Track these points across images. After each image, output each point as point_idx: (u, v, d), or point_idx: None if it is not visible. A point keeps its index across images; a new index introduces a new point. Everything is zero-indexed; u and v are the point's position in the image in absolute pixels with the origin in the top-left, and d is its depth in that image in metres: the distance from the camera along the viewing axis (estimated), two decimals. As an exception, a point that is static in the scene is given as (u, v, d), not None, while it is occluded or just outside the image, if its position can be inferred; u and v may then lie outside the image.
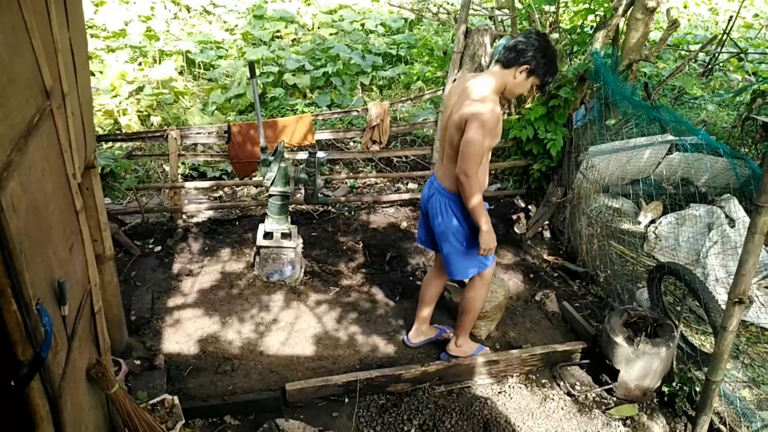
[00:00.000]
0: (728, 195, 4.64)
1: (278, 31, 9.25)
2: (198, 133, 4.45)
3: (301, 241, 4.11)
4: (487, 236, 2.79)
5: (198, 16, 9.91)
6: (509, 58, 2.68)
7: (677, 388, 3.14)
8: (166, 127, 4.70)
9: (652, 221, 4.74)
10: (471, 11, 4.71)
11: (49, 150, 1.69)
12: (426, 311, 3.44)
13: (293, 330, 3.57)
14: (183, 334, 3.46)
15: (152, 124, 6.13)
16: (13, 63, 1.41)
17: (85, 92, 2.30)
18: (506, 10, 4.96)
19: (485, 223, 2.77)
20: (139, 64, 7.40)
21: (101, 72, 6.84)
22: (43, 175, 1.59)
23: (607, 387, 3.26)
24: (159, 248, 4.28)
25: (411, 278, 4.18)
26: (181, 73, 7.53)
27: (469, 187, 2.67)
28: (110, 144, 5.12)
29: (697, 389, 3.07)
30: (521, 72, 2.69)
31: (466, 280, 3.22)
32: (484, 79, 2.75)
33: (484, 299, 3.20)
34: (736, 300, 2.68)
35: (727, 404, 3.06)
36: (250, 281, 3.96)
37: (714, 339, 2.94)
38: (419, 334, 3.50)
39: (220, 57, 8.07)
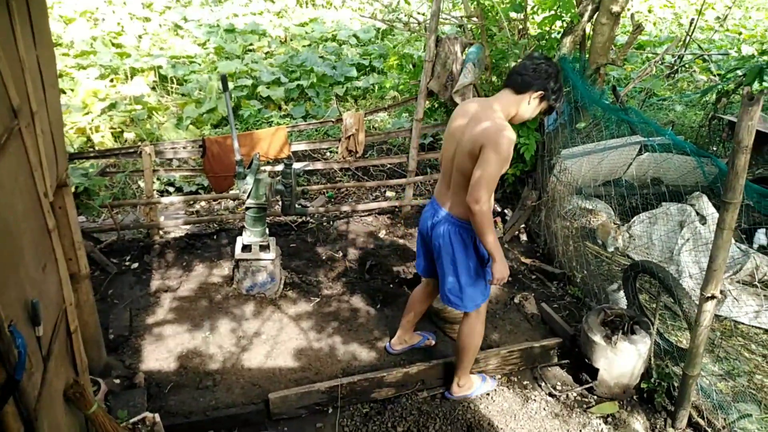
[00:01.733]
0: (698, 193, 4.75)
1: (251, 44, 9.24)
2: (172, 148, 4.42)
3: (279, 252, 4.10)
4: (501, 265, 2.71)
5: (168, 31, 9.85)
6: (522, 84, 2.61)
7: (656, 384, 3.20)
8: (140, 143, 4.66)
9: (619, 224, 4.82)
10: (441, 20, 4.76)
11: (19, 169, 1.67)
12: (410, 320, 3.42)
13: (275, 342, 3.56)
14: (163, 351, 3.42)
15: (126, 141, 6.07)
16: (-21, 83, 1.40)
17: (55, 110, 2.28)
18: (475, 18, 5.02)
19: (498, 252, 2.69)
20: (111, 80, 7.33)
21: (72, 90, 6.76)
22: (13, 195, 1.58)
23: (587, 386, 3.30)
24: (136, 265, 4.24)
25: (391, 285, 4.20)
26: (153, 88, 7.47)
27: (481, 215, 2.56)
28: (83, 161, 5.05)
29: (675, 384, 3.13)
30: (535, 98, 2.65)
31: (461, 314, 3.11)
32: (494, 104, 2.66)
33: (481, 334, 3.07)
34: (709, 296, 2.75)
35: (705, 397, 3.12)
36: (229, 294, 3.94)
37: (689, 334, 3.01)
38: (402, 341, 3.50)
39: (193, 72, 8.03)
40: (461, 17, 5.53)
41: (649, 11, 13.57)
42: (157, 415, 2.72)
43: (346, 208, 5.11)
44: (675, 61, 8.66)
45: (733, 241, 3.11)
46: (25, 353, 1.48)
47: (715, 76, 8.26)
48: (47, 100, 2.11)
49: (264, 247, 3.91)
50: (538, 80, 2.61)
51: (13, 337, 1.45)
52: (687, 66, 8.81)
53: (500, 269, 2.73)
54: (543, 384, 3.39)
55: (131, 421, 2.69)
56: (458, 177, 2.71)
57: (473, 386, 3.24)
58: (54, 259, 1.96)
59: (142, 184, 4.97)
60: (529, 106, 2.67)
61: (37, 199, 1.82)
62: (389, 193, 5.64)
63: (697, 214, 4.59)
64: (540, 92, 2.63)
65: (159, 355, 3.39)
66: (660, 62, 8.37)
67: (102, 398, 2.85)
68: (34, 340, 1.66)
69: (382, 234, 4.89)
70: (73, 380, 2.08)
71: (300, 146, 4.84)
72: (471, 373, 3.25)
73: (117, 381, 3.10)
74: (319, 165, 5.07)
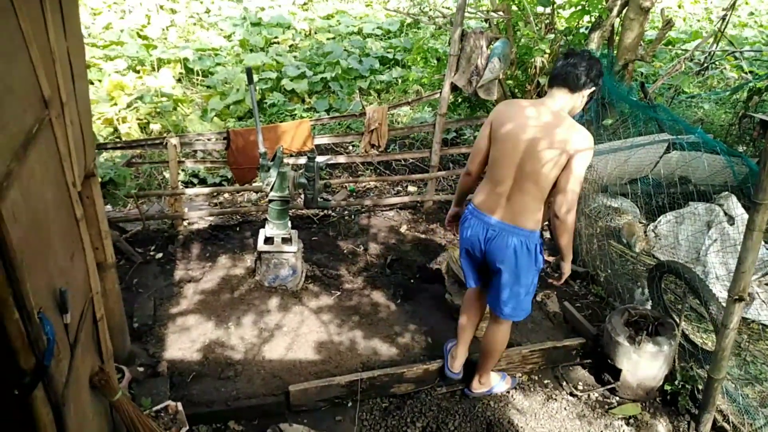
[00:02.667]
0: (727, 193, 4.65)
1: (276, 37, 9.27)
2: (197, 140, 4.46)
3: (301, 245, 4.12)
4: (570, 265, 2.85)
5: (194, 24, 9.94)
6: (579, 82, 2.58)
7: (680, 386, 3.15)
8: (165, 135, 4.71)
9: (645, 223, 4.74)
10: (466, 14, 4.72)
11: (49, 159, 1.70)
12: (467, 339, 3.22)
13: (295, 335, 3.58)
14: (186, 341, 3.46)
15: (152, 132, 6.14)
16: (10, 72, 1.42)
17: (84, 101, 2.31)
18: (501, 13, 4.97)
19: (571, 254, 2.81)
20: (138, 72, 7.42)
21: (99, 81, 6.86)
22: (43, 185, 1.60)
23: (609, 386, 3.26)
24: (160, 255, 4.29)
25: (412, 281, 4.19)
26: (179, 80, 7.55)
27: (572, 224, 2.60)
28: (110, 152, 5.13)
29: (700, 387, 3.08)
30: (586, 94, 2.64)
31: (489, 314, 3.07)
32: (560, 107, 2.60)
33: (507, 341, 3.04)
34: (736, 297, 2.69)
35: (730, 402, 3.06)
36: (251, 286, 3.97)
37: (715, 337, 2.95)
38: (462, 361, 3.25)
39: (218, 64, 8.09)
40: (487, 11, 5.48)
41: (680, 6, 13.30)
42: (179, 404, 2.76)
43: (367, 202, 5.11)
44: (705, 57, 8.48)
45: (762, 242, 3.04)
46: (53, 340, 1.50)
47: (746, 73, 8.07)
48: (76, 91, 2.14)
49: (286, 240, 3.93)
50: (593, 78, 2.60)
51: (42, 324, 1.48)
52: (717, 63, 8.63)
53: (569, 267, 2.84)
54: (564, 383, 3.36)
55: (154, 409, 2.73)
56: (530, 187, 2.60)
57: (493, 384, 3.22)
58: (82, 248, 1.99)
59: (167, 175, 5.03)
60: (581, 103, 2.67)
61: (65, 188, 1.84)
62: (411, 188, 5.63)
63: (726, 214, 4.50)
64: (592, 89, 2.63)
65: (182, 344, 3.43)
66: (690, 59, 8.21)
67: (126, 386, 2.90)
68: (62, 327, 1.69)
69: (403, 229, 4.88)
70: (98, 367, 2.11)
71: (323, 140, 4.85)
72: (492, 371, 3.23)
73: (141, 369, 3.15)
74: (341, 159, 5.07)
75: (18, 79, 1.47)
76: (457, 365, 3.19)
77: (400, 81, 7.80)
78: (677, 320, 3.28)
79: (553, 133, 2.51)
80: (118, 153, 5.14)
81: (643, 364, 3.11)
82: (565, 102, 2.61)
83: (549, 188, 2.59)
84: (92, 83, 6.74)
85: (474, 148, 2.84)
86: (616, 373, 3.20)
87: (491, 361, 3.08)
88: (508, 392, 3.26)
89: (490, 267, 2.83)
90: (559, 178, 2.53)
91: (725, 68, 8.64)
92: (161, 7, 10.05)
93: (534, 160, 2.55)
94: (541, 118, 2.57)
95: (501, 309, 2.87)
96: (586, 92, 2.62)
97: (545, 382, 3.38)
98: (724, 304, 2.82)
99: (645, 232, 4.61)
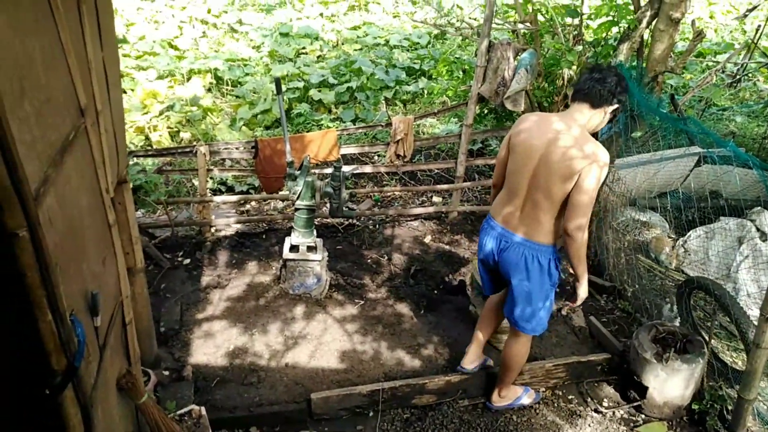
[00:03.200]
0: (759, 208, 4.55)
1: (303, 47, 9.39)
2: (226, 149, 4.53)
3: (326, 254, 4.14)
4: (586, 287, 2.75)
5: (225, 34, 10.12)
6: (602, 98, 2.56)
7: (708, 406, 3.08)
8: (195, 143, 4.80)
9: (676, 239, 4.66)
10: (493, 25, 4.72)
11: (84, 166, 1.75)
12: (482, 339, 3.28)
13: (318, 343, 3.59)
14: (211, 346, 3.50)
15: (182, 140, 6.26)
16: (50, 82, 1.47)
17: (118, 110, 2.38)
18: (528, 24, 4.95)
19: (586, 273, 2.73)
20: (169, 81, 7.58)
21: (132, 90, 7.02)
22: (78, 191, 1.65)
23: (635, 404, 3.21)
24: (188, 261, 4.36)
25: (435, 292, 4.18)
26: (209, 90, 7.68)
27: (583, 242, 2.55)
28: (141, 159, 5.24)
29: (729, 407, 3.00)
30: (609, 111, 2.62)
31: (508, 328, 3.07)
32: (575, 119, 2.60)
33: (527, 354, 3.02)
34: (768, 315, 2.63)
35: (762, 424, 2.99)
36: (276, 294, 4.00)
37: (746, 356, 2.88)
38: (475, 359, 3.32)
39: (247, 74, 8.22)
40: (514, 23, 5.48)
41: (711, 17, 13.09)
42: (203, 408, 2.79)
43: (392, 212, 5.12)
44: (737, 69, 8.32)
45: (797, 259, 2.97)
46: (84, 342, 1.54)
47: (781, 86, 7.90)
48: (111, 100, 2.20)
49: (311, 248, 3.96)
50: (617, 95, 2.58)
51: (73, 326, 1.51)
52: (750, 75, 8.46)
53: (585, 289, 2.74)
54: (589, 399, 3.31)
55: (178, 412, 2.76)
56: (542, 200, 2.59)
57: (513, 397, 3.19)
58: (113, 252, 2.03)
59: (196, 182, 5.11)
60: (603, 118, 2.64)
61: (99, 194, 1.89)
62: (436, 199, 5.63)
63: (758, 230, 4.39)
64: (616, 105, 2.61)
65: (207, 349, 3.48)
66: (721, 71, 8.06)
67: (152, 389, 2.94)
68: (93, 329, 1.73)
69: (427, 239, 4.88)
70: (125, 370, 2.15)
71: (349, 149, 4.88)
72: (514, 384, 3.20)
73: (166, 373, 3.20)
74: (367, 168, 5.10)
75: (57, 88, 1.52)
76: (467, 361, 3.26)
77: (426, 92, 7.82)
78: (706, 338, 3.21)
79: (568, 147, 2.49)
80: (149, 160, 5.24)
81: (671, 381, 3.05)
82: (586, 117, 2.60)
83: (561, 203, 2.56)
84: (125, 92, 6.90)
85: (497, 159, 2.85)
86: (643, 390, 3.15)
87: (510, 374, 3.06)
88: (532, 407, 3.22)
89: (503, 278, 2.83)
90: (570, 194, 2.51)
91: (758, 80, 8.47)
92: (192, 19, 10.26)
93: (546, 173, 2.54)
94: (557, 132, 2.54)
95: (515, 321, 2.86)
96: (609, 109, 2.60)
97: (569, 397, 3.33)
98: (755, 323, 2.75)
99: (674, 247, 4.53)
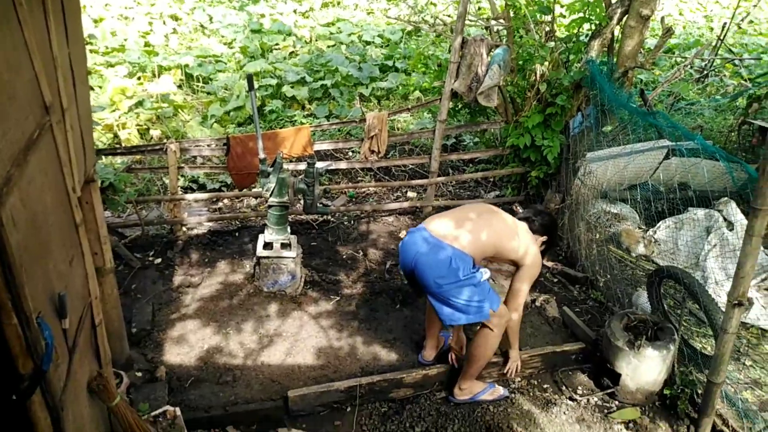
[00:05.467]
0: (726, 198, 4.66)
1: (276, 44, 9.31)
2: (197, 146, 4.48)
3: (300, 250, 4.13)
4: (517, 353, 3.30)
5: (195, 30, 9.98)
6: (535, 227, 3.18)
7: (679, 390, 3.15)
8: (165, 141, 4.73)
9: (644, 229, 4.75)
10: (467, 22, 4.74)
11: (49, 165, 1.71)
12: (434, 330, 3.40)
13: (294, 340, 3.58)
14: (184, 346, 3.46)
15: (152, 138, 6.16)
16: (13, 80, 1.43)
17: (85, 107, 2.33)
18: (502, 20, 4.99)
19: (518, 342, 3.27)
20: (138, 78, 7.45)
21: (101, 87, 6.89)
22: (42, 190, 1.61)
23: (609, 391, 3.26)
24: (159, 260, 4.30)
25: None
26: (180, 86, 7.57)
27: (518, 319, 3.16)
28: (110, 158, 5.14)
29: (699, 391, 3.08)
30: (540, 241, 3.20)
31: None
32: (526, 230, 3.12)
33: (494, 347, 3.07)
34: (736, 302, 2.69)
35: (730, 406, 3.06)
36: (250, 292, 3.97)
37: (714, 341, 2.95)
38: (433, 350, 3.44)
39: (219, 71, 8.12)
40: (488, 19, 5.51)
41: (680, 14, 13.35)
42: (177, 409, 2.76)
43: (367, 207, 5.12)
44: (705, 65, 8.50)
45: (761, 247, 3.04)
46: (51, 345, 1.51)
47: (746, 80, 8.09)
48: (77, 97, 2.16)
49: (285, 245, 3.93)
50: (543, 230, 3.20)
51: (40, 329, 1.48)
52: (717, 70, 8.65)
53: (516, 356, 3.29)
54: (564, 388, 3.35)
55: (152, 414, 2.73)
56: (480, 241, 2.94)
57: (475, 391, 3.20)
58: (80, 253, 2.00)
59: (166, 180, 5.04)
60: (536, 243, 3.14)
61: (65, 193, 1.86)
62: (411, 194, 5.64)
63: (725, 219, 4.50)
64: (545, 238, 3.22)
65: (180, 349, 3.44)
66: (689, 66, 8.23)
67: (124, 391, 2.90)
68: (61, 332, 1.70)
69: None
70: (96, 372, 2.12)
71: (323, 146, 4.86)
72: (481, 378, 3.24)
73: (139, 374, 3.15)
74: (341, 164, 5.09)
75: (21, 85, 1.49)
76: (426, 354, 3.46)
77: (400, 88, 7.83)
78: (676, 325, 3.28)
79: (520, 230, 3.07)
80: (118, 159, 5.15)
81: (643, 368, 3.11)
82: (529, 234, 3.14)
83: (491, 250, 2.99)
84: (93, 89, 6.76)
85: None
86: (616, 377, 3.20)
87: (472, 365, 3.09)
88: (507, 398, 3.25)
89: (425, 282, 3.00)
90: (511, 282, 3.14)
91: (725, 75, 8.66)
92: (162, 15, 10.10)
93: (496, 240, 2.96)
94: (513, 224, 3.09)
95: (451, 322, 3.03)
96: (540, 240, 3.20)
97: (545, 386, 3.38)
98: (723, 309, 2.82)
99: (644, 237, 4.61)
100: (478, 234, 2.92)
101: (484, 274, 2.90)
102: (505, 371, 3.23)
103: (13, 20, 1.46)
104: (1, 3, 1.38)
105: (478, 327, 3.08)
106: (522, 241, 3.01)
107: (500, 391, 3.26)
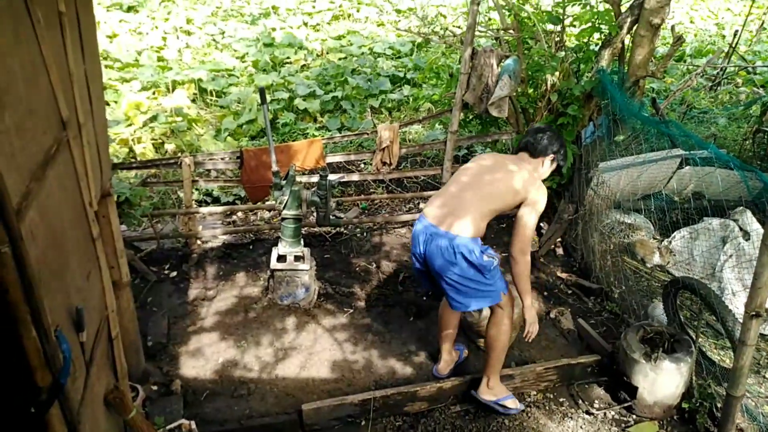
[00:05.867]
0: (741, 208, 4.61)
1: (288, 57, 9.39)
2: (211, 159, 4.51)
3: (314, 263, 4.13)
4: (533, 312, 3.07)
5: (208, 44, 10.09)
6: (536, 150, 3.07)
7: (697, 404, 3.10)
8: (179, 154, 4.77)
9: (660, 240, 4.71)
10: (476, 33, 4.76)
11: (66, 179, 1.73)
12: (451, 340, 3.39)
13: (308, 353, 3.58)
14: (199, 359, 3.47)
15: (166, 152, 6.22)
16: (31, 96, 1.46)
17: (101, 122, 2.36)
18: (511, 31, 5.00)
19: (531, 299, 3.06)
20: (153, 93, 7.54)
21: (116, 102, 6.98)
22: (60, 204, 1.63)
23: (626, 404, 3.22)
24: (174, 273, 4.32)
25: (425, 298, 4.18)
26: (193, 101, 7.65)
27: (525, 263, 2.94)
28: (125, 172, 5.20)
29: (718, 405, 3.03)
30: (547, 161, 3.10)
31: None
32: (525, 162, 3.06)
33: (508, 331, 3.07)
34: (753, 313, 2.66)
35: (750, 420, 3.01)
36: (264, 305, 3.98)
37: (733, 354, 2.91)
38: (448, 365, 3.42)
39: (232, 84, 8.20)
40: (497, 30, 5.52)
41: (692, 22, 13.30)
42: (193, 422, 2.76)
43: (379, 219, 5.12)
44: (717, 73, 8.45)
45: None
46: (69, 358, 1.52)
47: (759, 88, 8.03)
48: (93, 113, 2.19)
49: (299, 258, 3.94)
50: (548, 148, 3.07)
51: (58, 342, 1.49)
52: (730, 78, 8.59)
53: (533, 314, 3.07)
54: (580, 402, 3.32)
55: (168, 427, 2.74)
56: (476, 201, 2.89)
57: (501, 395, 3.16)
58: (98, 266, 2.02)
59: (181, 194, 5.08)
60: (543, 167, 3.11)
61: (82, 208, 1.88)
62: (423, 205, 5.63)
63: (741, 229, 4.45)
64: (551, 157, 3.10)
65: (195, 362, 3.44)
66: (701, 74, 8.18)
67: (140, 404, 2.91)
68: (78, 345, 1.71)
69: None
70: (113, 385, 2.12)
71: (335, 158, 4.88)
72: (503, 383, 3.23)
73: (154, 387, 3.16)
74: (354, 176, 5.10)
75: (38, 101, 1.51)
76: (440, 368, 3.42)
77: (411, 99, 7.86)
78: (693, 337, 3.24)
79: (516, 174, 2.95)
80: (133, 173, 5.21)
81: (660, 381, 3.07)
82: (529, 162, 3.08)
83: (492, 211, 2.94)
84: (108, 105, 6.85)
85: None
86: (633, 390, 3.16)
87: (492, 355, 3.08)
88: (524, 411, 3.22)
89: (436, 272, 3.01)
90: (514, 223, 2.95)
91: (738, 83, 8.61)
92: (178, 29, 10.23)
93: (491, 183, 2.94)
94: (506, 162, 3.04)
95: (457, 306, 3.04)
96: (547, 160, 3.09)
97: (560, 400, 3.34)
98: (741, 320, 2.78)
99: (659, 247, 4.57)
100: (472, 211, 2.86)
101: (494, 260, 2.89)
102: (524, 336, 3.06)
103: (31, 37, 1.48)
104: (18, 20, 1.41)
105: (488, 320, 3.12)
106: (521, 185, 2.93)
107: (517, 403, 3.24)
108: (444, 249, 2.83)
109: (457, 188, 2.98)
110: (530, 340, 3.16)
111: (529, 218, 2.91)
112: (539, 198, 2.94)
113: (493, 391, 3.15)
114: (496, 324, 3.05)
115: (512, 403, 3.20)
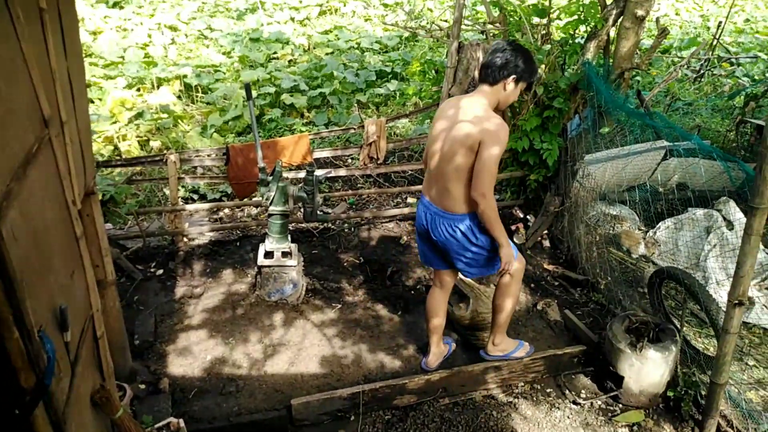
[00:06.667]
0: (725, 198, 4.66)
1: (275, 52, 9.35)
2: (197, 156, 4.49)
3: (302, 259, 4.13)
4: (508, 250, 2.87)
5: (194, 40, 10.02)
6: (494, 75, 2.77)
7: (682, 392, 3.14)
8: (165, 151, 4.74)
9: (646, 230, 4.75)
10: (463, 27, 4.77)
11: (49, 178, 1.72)
12: (439, 332, 3.42)
13: (297, 349, 3.58)
14: (187, 357, 3.47)
15: (152, 149, 6.18)
16: (12, 94, 1.44)
17: (84, 120, 2.34)
18: (498, 24, 5.01)
19: (504, 238, 2.85)
20: (138, 90, 7.48)
21: (100, 99, 6.92)
22: (42, 203, 1.62)
23: (612, 394, 3.26)
24: (161, 271, 4.30)
25: (413, 292, 4.20)
26: (179, 97, 7.60)
27: (489, 207, 2.73)
28: (110, 170, 5.16)
29: (703, 393, 3.07)
30: (510, 83, 2.79)
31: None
32: (477, 98, 2.82)
33: (516, 295, 3.19)
34: (736, 302, 2.70)
35: (734, 406, 3.06)
36: (252, 301, 3.98)
37: (716, 342, 2.95)
38: (437, 357, 3.45)
39: (218, 80, 8.15)
40: (484, 23, 5.53)
41: (677, 14, 13.38)
42: (181, 421, 2.75)
43: (367, 214, 5.13)
44: (701, 65, 8.52)
45: (761, 246, 3.05)
46: (54, 358, 1.51)
47: (742, 79, 8.11)
48: (76, 110, 2.17)
49: (286, 254, 3.94)
50: (508, 67, 2.75)
51: (42, 343, 1.48)
52: (714, 70, 8.67)
53: (508, 253, 2.87)
54: (567, 392, 3.35)
55: (156, 426, 2.73)
56: (451, 172, 2.80)
57: (508, 349, 3.34)
58: (82, 265, 2.00)
59: (167, 191, 5.05)
60: (506, 92, 2.82)
61: (65, 206, 1.86)
62: (411, 200, 5.65)
63: (724, 219, 4.50)
64: (512, 77, 2.77)
65: (183, 361, 3.44)
66: (686, 66, 8.25)
67: (128, 403, 2.90)
68: (63, 345, 1.70)
69: (403, 240, 4.89)
70: (99, 385, 2.12)
71: (322, 153, 4.88)
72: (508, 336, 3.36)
73: (142, 386, 3.15)
74: (341, 172, 5.10)
75: (19, 99, 1.50)
76: (429, 361, 3.41)
77: (398, 94, 7.86)
78: (678, 326, 3.28)
79: (468, 123, 2.72)
80: (118, 170, 5.17)
81: (645, 370, 3.11)
82: (487, 93, 2.81)
83: (468, 174, 2.76)
84: (93, 102, 6.79)
85: (427, 144, 3.09)
86: (619, 380, 3.20)
87: (499, 317, 3.20)
88: (510, 402, 3.25)
89: (439, 246, 3.05)
90: (474, 164, 2.71)
91: (722, 75, 8.68)
92: (161, 25, 10.14)
93: (452, 147, 2.77)
94: (463, 111, 2.79)
95: (469, 273, 3.11)
96: (510, 80, 2.76)
97: (548, 390, 3.37)
98: (724, 309, 2.82)
99: (644, 238, 4.62)
100: (455, 183, 2.81)
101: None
102: (499, 271, 2.98)
103: (11, 35, 1.47)
104: (-2, 18, 1.39)
105: (496, 287, 3.19)
106: (472, 128, 2.70)
107: (527, 347, 3.40)
108: (446, 227, 2.92)
109: (436, 161, 2.89)
110: (511, 274, 3.03)
111: (487, 154, 2.65)
112: (493, 129, 2.66)
113: (500, 347, 3.32)
114: (503, 291, 3.13)
115: (522, 352, 3.36)
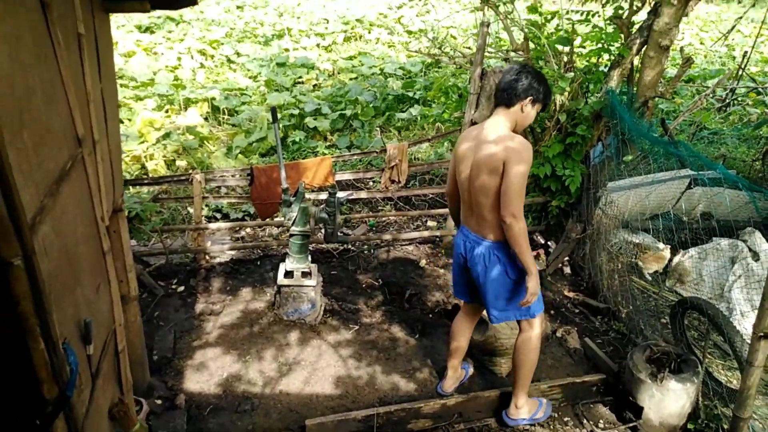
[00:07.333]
0: (750, 228, 4.59)
1: (300, 77, 9.52)
2: (222, 176, 4.58)
3: (321, 279, 4.16)
4: (536, 280, 2.77)
5: (222, 65, 10.26)
6: (510, 98, 2.79)
7: (704, 425, 3.07)
8: (191, 171, 4.84)
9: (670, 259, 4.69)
10: (486, 54, 4.82)
11: (80, 195, 1.78)
12: (458, 360, 3.40)
13: (313, 369, 3.59)
14: (204, 373, 3.49)
15: (178, 169, 6.31)
16: (50, 114, 1.51)
17: (115, 139, 2.42)
18: (521, 52, 5.05)
19: (534, 267, 2.78)
20: (166, 111, 7.66)
21: (130, 120, 7.10)
22: (74, 219, 1.68)
23: (631, 425, 3.19)
24: (182, 288, 4.37)
25: (431, 315, 4.19)
26: (206, 119, 7.77)
27: (519, 228, 2.66)
28: (137, 188, 5.28)
29: (725, 426, 2.99)
30: (527, 104, 2.80)
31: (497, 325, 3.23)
32: (497, 119, 2.82)
33: (537, 350, 3.06)
34: (761, 334, 2.64)
35: (758, 443, 2.97)
36: (270, 320, 4.00)
37: (740, 374, 2.89)
38: (454, 381, 3.43)
39: (244, 103, 8.32)
40: (507, 51, 5.58)
41: (701, 43, 13.33)
42: (197, 437, 2.77)
43: (387, 236, 5.15)
44: (727, 94, 8.46)
45: (787, 279, 2.99)
46: (76, 371, 1.54)
47: (769, 108, 8.02)
48: (108, 130, 2.25)
49: (306, 274, 3.97)
50: (523, 89, 2.76)
51: (66, 354, 1.52)
52: (740, 99, 8.59)
53: (535, 284, 2.78)
54: (585, 421, 3.29)
55: (172, 441, 2.75)
56: (481, 199, 2.80)
57: (532, 410, 3.20)
58: (107, 280, 2.05)
59: (191, 210, 5.14)
60: (524, 114, 2.82)
61: (94, 222, 1.92)
62: (431, 223, 5.66)
63: (750, 250, 4.43)
64: (529, 98, 2.79)
65: (200, 377, 3.46)
66: (711, 95, 8.19)
67: (144, 418, 2.92)
68: (85, 358, 1.73)
69: (422, 263, 4.90)
70: (118, 399, 2.15)
71: (344, 176, 4.93)
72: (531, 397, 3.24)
73: (159, 402, 3.18)
74: (362, 194, 5.15)
75: (56, 120, 1.56)
76: (445, 385, 3.39)
77: (419, 118, 7.93)
78: (700, 357, 3.22)
79: (489, 145, 2.74)
80: (144, 189, 5.28)
81: (666, 401, 3.05)
82: (505, 115, 2.81)
83: (495, 196, 2.74)
84: (123, 122, 6.98)
85: (449, 172, 3.13)
86: (638, 410, 3.14)
87: (521, 373, 3.08)
88: (526, 429, 3.20)
89: (473, 277, 3.00)
90: (501, 186, 2.69)
91: (748, 104, 8.60)
92: (190, 49, 10.41)
93: (478, 173, 2.77)
94: (485, 135, 2.79)
95: (495, 316, 3.01)
96: (526, 103, 2.78)
97: (565, 419, 3.32)
98: (748, 341, 2.77)
99: (670, 261, 4.55)
100: (490, 211, 2.79)
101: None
102: (527, 302, 2.86)
103: (52, 58, 1.54)
104: (39, 41, 1.46)
105: (516, 339, 3.11)
106: (496, 149, 2.69)
107: (546, 405, 3.29)
108: (484, 255, 2.88)
109: (467, 187, 2.89)
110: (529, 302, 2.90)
111: (513, 172, 2.62)
112: (517, 147, 2.65)
113: (522, 410, 3.17)
114: (524, 342, 3.04)
115: (542, 413, 3.24)
